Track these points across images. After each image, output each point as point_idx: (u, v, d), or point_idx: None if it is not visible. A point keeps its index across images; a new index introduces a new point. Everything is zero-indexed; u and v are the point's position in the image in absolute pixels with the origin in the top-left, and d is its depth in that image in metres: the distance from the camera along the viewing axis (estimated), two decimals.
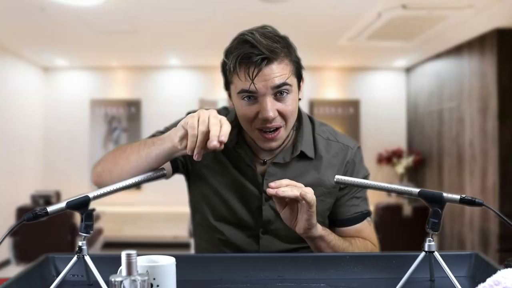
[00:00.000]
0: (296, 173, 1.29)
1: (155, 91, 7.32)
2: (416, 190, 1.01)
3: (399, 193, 1.04)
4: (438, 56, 6.18)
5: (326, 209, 1.32)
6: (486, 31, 4.86)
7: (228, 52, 1.19)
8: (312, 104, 7.27)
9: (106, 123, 7.25)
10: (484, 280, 0.87)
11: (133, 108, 7.26)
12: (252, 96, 1.17)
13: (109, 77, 7.42)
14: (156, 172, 1.06)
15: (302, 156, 1.29)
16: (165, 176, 1.07)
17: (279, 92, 1.17)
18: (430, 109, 6.43)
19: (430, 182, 6.37)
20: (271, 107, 1.16)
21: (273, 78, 1.15)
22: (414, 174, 6.88)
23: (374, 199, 5.50)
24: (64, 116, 7.23)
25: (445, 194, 0.98)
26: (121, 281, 0.76)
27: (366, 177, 1.35)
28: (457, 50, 5.63)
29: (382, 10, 4.35)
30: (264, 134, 1.20)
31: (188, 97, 7.13)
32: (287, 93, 1.18)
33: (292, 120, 1.23)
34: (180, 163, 1.34)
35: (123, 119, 7.26)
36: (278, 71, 1.16)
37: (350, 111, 7.32)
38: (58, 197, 5.67)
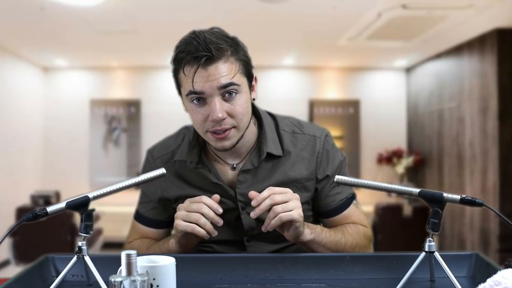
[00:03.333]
0: (266, 174, 1.28)
1: (155, 91, 7.31)
2: (416, 190, 1.01)
3: (399, 193, 1.04)
4: (438, 56, 6.18)
5: (303, 202, 1.27)
6: (486, 31, 4.85)
7: (175, 53, 1.19)
8: (312, 104, 7.27)
9: (106, 123, 7.25)
10: (484, 280, 0.87)
11: (133, 108, 7.26)
12: (200, 98, 1.16)
13: (109, 77, 7.42)
14: (156, 172, 1.06)
15: (270, 156, 1.27)
16: (164, 176, 1.07)
17: (227, 92, 1.15)
18: (430, 109, 6.43)
19: (430, 182, 6.37)
20: (219, 107, 1.14)
21: (218, 78, 1.13)
22: (414, 174, 6.87)
23: (374, 199, 5.51)
24: (63, 116, 7.23)
25: (445, 194, 0.98)
26: (121, 281, 0.76)
27: (342, 161, 1.33)
28: (457, 50, 5.63)
29: (382, 10, 4.35)
30: (215, 134, 1.18)
31: None
32: (236, 93, 1.16)
33: (245, 121, 1.20)
34: (166, 219, 1.36)
35: (123, 119, 7.26)
36: (224, 70, 1.14)
37: (350, 111, 7.32)
38: (57, 197, 5.67)
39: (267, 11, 4.36)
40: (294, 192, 1.20)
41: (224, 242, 1.30)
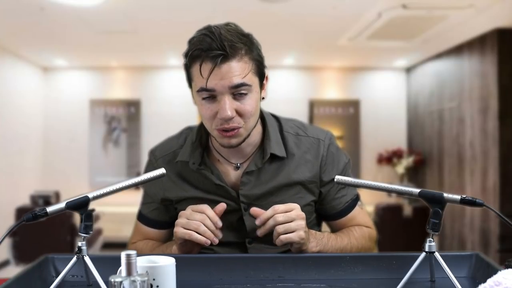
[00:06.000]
0: (269, 176, 1.27)
1: (154, 91, 7.31)
2: (416, 190, 1.01)
3: (400, 193, 1.04)
4: (439, 56, 6.18)
5: (306, 204, 1.28)
6: (487, 31, 4.85)
7: (188, 48, 1.18)
8: (312, 104, 7.27)
9: (105, 123, 7.25)
10: (484, 281, 0.87)
11: (132, 108, 7.26)
12: (211, 95, 1.16)
13: (109, 77, 7.42)
14: (156, 172, 1.05)
15: (274, 157, 1.27)
16: (164, 176, 1.07)
17: (238, 92, 1.15)
18: (431, 109, 6.43)
19: (430, 182, 6.37)
20: (229, 106, 1.14)
21: (231, 77, 1.13)
22: (414, 174, 6.87)
23: (374, 199, 5.51)
24: (63, 116, 7.23)
25: (445, 195, 0.98)
26: (121, 282, 0.76)
27: (347, 164, 1.33)
28: (458, 50, 5.63)
29: (382, 10, 4.35)
30: (223, 132, 1.18)
31: (187, 97, 6.90)
32: (246, 93, 1.16)
33: (253, 120, 1.20)
34: (168, 219, 1.35)
35: (122, 119, 7.26)
36: (237, 70, 1.13)
37: (350, 111, 7.32)
38: (57, 197, 5.67)
39: (267, 11, 4.36)
40: (297, 193, 1.22)
41: (226, 244, 1.29)
